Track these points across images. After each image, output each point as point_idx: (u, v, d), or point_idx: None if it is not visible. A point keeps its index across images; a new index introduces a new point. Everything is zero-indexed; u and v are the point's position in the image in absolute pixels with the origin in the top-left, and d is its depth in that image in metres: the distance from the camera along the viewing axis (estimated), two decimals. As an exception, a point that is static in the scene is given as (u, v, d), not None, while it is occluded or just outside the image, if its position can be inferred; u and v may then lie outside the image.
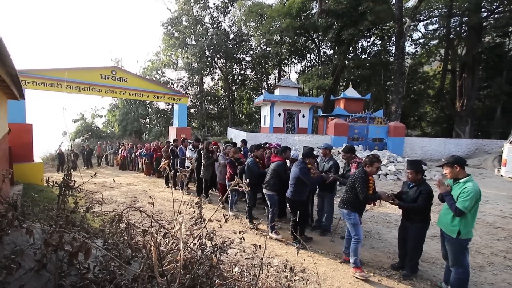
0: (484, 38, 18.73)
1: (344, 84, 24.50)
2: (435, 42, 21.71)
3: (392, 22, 19.78)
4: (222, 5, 24.62)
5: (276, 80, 26.49)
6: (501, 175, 8.60)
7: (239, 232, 2.16)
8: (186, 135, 11.51)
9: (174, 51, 24.75)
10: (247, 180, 2.19)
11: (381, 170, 10.00)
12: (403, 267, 3.49)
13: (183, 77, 26.16)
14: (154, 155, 10.71)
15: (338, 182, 4.65)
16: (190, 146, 7.73)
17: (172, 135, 12.75)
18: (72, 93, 9.79)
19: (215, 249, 1.94)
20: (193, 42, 23.53)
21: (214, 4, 24.67)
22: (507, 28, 17.53)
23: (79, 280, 1.31)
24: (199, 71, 23.67)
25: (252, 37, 25.55)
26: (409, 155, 13.69)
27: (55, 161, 15.73)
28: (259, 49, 25.60)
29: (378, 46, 23.81)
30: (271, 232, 4.55)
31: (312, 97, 21.21)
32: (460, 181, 2.92)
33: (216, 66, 25.64)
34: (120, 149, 15.10)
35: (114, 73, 10.39)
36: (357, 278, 3.32)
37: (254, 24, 24.35)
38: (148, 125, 25.34)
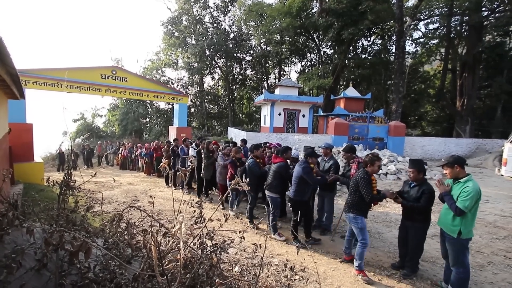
0: (484, 37, 18.68)
1: (344, 83, 24.48)
2: (435, 41, 21.68)
3: (392, 21, 19.75)
4: (222, 5, 24.60)
5: (276, 80, 26.48)
6: (502, 175, 8.59)
7: (240, 232, 2.16)
8: (186, 134, 11.51)
9: (174, 50, 24.74)
10: (247, 179, 2.19)
11: (381, 169, 10.00)
12: (403, 266, 3.49)
13: (183, 76, 26.18)
14: (154, 155, 10.72)
15: (338, 182, 4.65)
16: (193, 145, 7.73)
17: (172, 134, 12.76)
18: (72, 93, 9.80)
19: (216, 248, 1.94)
20: (193, 42, 23.52)
21: (214, 3, 24.68)
22: (508, 27, 17.49)
23: (80, 279, 1.31)
24: (199, 71, 23.66)
25: (252, 37, 25.52)
26: (410, 155, 13.69)
27: (55, 161, 15.74)
28: (259, 48, 25.59)
29: (378, 45, 23.80)
30: (273, 234, 4.55)
31: (313, 96, 21.18)
32: (461, 180, 2.92)
33: (216, 65, 25.63)
34: (121, 149, 15.12)
35: (114, 72, 10.39)
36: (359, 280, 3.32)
37: (254, 23, 24.33)
38: (148, 125, 25.34)
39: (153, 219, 1.62)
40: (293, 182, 4.23)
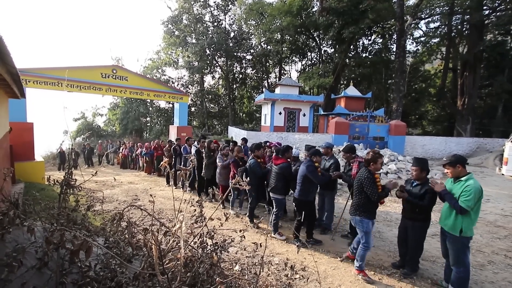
0: (485, 36, 18.60)
1: (345, 82, 24.43)
2: (436, 40, 21.61)
3: (393, 20, 19.68)
4: (223, 4, 24.54)
5: (277, 79, 26.44)
6: (502, 174, 8.59)
7: (240, 231, 2.17)
8: (187, 133, 11.53)
9: (174, 49, 24.70)
10: (247, 178, 2.19)
11: (382, 168, 9.99)
12: (404, 265, 3.49)
13: (184, 75, 26.15)
14: (154, 154, 10.73)
15: (339, 181, 4.65)
16: (195, 143, 7.73)
17: (172, 133, 12.77)
18: (73, 92, 9.81)
19: (216, 247, 1.94)
20: (194, 41, 23.48)
21: (214, 2, 24.61)
22: (509, 26, 17.40)
23: (81, 278, 1.32)
24: (199, 70, 23.64)
25: (252, 36, 25.47)
26: (410, 154, 13.66)
27: (56, 160, 15.75)
28: (259, 47, 25.54)
29: (379, 44, 23.72)
30: (274, 233, 4.55)
31: (313, 95, 21.15)
32: (462, 179, 2.91)
33: (217, 64, 25.59)
34: (121, 148, 15.13)
35: (114, 71, 10.40)
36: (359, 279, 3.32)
37: (254, 22, 24.27)
38: (148, 124, 25.35)
39: (153, 218, 1.62)
40: (297, 182, 4.21)
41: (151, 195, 2.07)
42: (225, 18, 25.35)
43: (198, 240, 1.92)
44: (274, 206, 4.59)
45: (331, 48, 24.23)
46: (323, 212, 4.90)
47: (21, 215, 1.39)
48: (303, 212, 4.12)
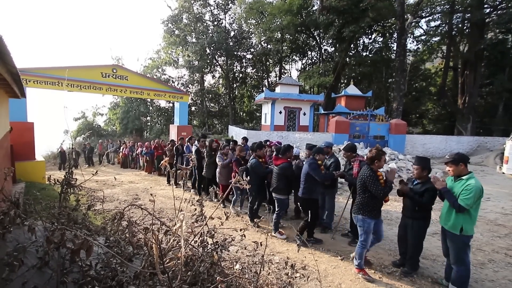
0: (486, 35, 18.55)
1: (345, 81, 24.40)
2: (437, 39, 21.53)
3: (393, 19, 19.61)
4: (223, 3, 24.48)
5: (277, 78, 26.40)
6: (503, 173, 8.60)
7: (240, 230, 2.17)
8: (187, 133, 11.53)
9: (174, 49, 24.68)
10: (248, 177, 2.19)
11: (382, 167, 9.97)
12: (404, 264, 3.50)
13: (184, 75, 26.13)
14: (155, 153, 10.73)
15: (344, 179, 4.65)
16: (196, 142, 7.73)
17: (173, 133, 12.77)
18: (73, 92, 9.81)
19: (216, 246, 1.95)
20: (194, 40, 23.46)
21: (214, 1, 24.54)
22: (510, 25, 17.33)
23: (81, 277, 1.32)
24: (199, 69, 23.61)
25: (252, 35, 25.44)
26: (411, 153, 13.65)
27: (56, 159, 15.75)
28: (259, 46, 25.50)
29: (379, 43, 23.65)
30: (274, 232, 4.55)
31: (313, 94, 21.13)
32: (463, 178, 2.91)
33: (217, 64, 25.57)
34: (122, 147, 15.15)
35: (114, 71, 10.39)
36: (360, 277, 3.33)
37: (254, 21, 24.24)
38: (149, 123, 25.36)
39: (154, 217, 1.62)
40: (301, 180, 4.20)
41: (151, 195, 2.07)
42: (225, 17, 25.31)
43: (198, 239, 1.92)
44: (276, 206, 4.59)
45: (332, 47, 24.20)
46: (324, 211, 4.90)
47: (22, 214, 1.39)
48: (310, 211, 4.08)
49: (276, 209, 4.58)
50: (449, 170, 3.04)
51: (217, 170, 6.14)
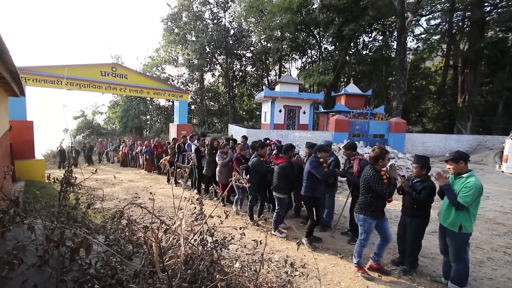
0: (486, 33, 18.51)
1: (345, 80, 24.37)
2: (437, 37, 21.48)
3: (393, 17, 19.57)
4: (222, 1, 24.40)
5: (277, 76, 26.36)
6: (502, 171, 8.62)
7: (240, 228, 2.17)
8: (187, 131, 11.52)
9: (174, 47, 24.62)
10: (247, 176, 2.20)
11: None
12: (403, 262, 3.51)
13: (184, 73, 26.09)
14: (154, 152, 10.74)
15: (339, 178, 4.65)
16: (195, 141, 7.73)
17: (172, 131, 12.76)
18: (73, 90, 9.79)
19: (216, 244, 1.95)
20: (193, 38, 23.39)
21: (214, -1, 24.50)
22: (510, 23, 17.27)
23: (81, 276, 1.32)
24: (199, 68, 23.57)
25: (252, 33, 25.35)
26: (410, 151, 13.66)
27: (56, 158, 15.77)
28: (259, 45, 25.43)
29: (379, 41, 23.61)
30: (274, 231, 4.56)
31: (313, 93, 21.11)
32: (463, 176, 2.91)
33: (217, 62, 25.51)
34: (121, 146, 15.14)
35: (114, 69, 10.37)
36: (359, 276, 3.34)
37: (254, 19, 24.15)
38: (148, 122, 25.35)
39: (153, 216, 1.62)
40: (304, 178, 4.21)
41: (151, 193, 2.08)
42: (224, 16, 25.24)
43: (198, 237, 1.93)
44: (277, 205, 4.60)
45: (331, 46, 24.14)
46: (323, 209, 4.91)
47: (21, 213, 1.39)
48: (314, 209, 4.07)
49: (276, 208, 4.59)
50: (449, 168, 3.04)
51: (217, 169, 6.13)
